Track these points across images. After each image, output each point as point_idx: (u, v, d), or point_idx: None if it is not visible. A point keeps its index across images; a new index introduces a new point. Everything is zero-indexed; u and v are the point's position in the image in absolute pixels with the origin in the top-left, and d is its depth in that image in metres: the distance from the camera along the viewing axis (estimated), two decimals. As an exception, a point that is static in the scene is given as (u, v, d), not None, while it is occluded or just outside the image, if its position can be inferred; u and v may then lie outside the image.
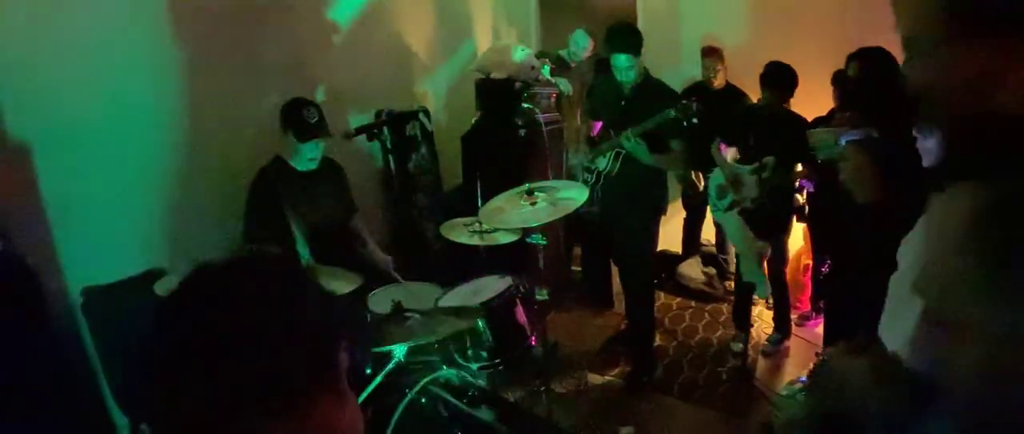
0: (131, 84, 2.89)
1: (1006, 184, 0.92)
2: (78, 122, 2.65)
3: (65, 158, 2.62)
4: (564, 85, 4.54)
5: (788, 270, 4.10)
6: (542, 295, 3.02)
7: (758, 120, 3.63)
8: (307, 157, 2.95)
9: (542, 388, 3.13)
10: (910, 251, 1.09)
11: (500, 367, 2.66)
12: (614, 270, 4.34)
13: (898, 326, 1.09)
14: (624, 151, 3.39)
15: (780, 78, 3.54)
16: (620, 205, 3.54)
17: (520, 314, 2.74)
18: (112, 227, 2.80)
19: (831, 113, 3.49)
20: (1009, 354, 0.90)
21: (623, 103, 3.42)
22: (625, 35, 3.31)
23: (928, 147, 2.05)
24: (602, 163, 3.52)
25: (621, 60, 3.28)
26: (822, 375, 1.24)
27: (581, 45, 4.85)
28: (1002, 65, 0.92)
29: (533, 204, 2.88)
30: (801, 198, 3.92)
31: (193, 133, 3.17)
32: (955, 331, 0.97)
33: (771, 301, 4.01)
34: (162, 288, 2.47)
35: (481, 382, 2.99)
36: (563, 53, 4.88)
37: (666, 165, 3.49)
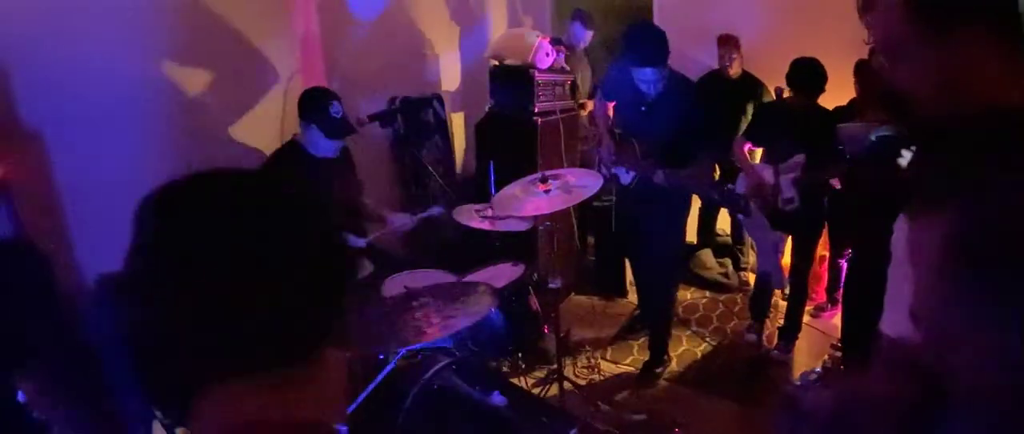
0: (144, 70, 2.89)
1: (975, 210, 0.88)
2: (91, 108, 2.66)
3: (79, 145, 2.63)
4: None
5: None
6: (555, 283, 3.00)
7: (785, 118, 3.49)
8: (329, 150, 2.94)
9: (555, 375, 3.13)
10: (902, 240, 1.07)
11: (513, 354, 2.65)
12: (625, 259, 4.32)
13: (898, 317, 1.08)
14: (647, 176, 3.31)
15: (810, 77, 3.35)
16: (646, 206, 3.42)
17: (533, 302, 2.74)
18: (127, 215, 2.81)
19: (852, 104, 3.43)
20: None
21: (644, 108, 3.30)
22: (653, 47, 3.09)
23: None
24: (624, 179, 3.45)
25: (647, 74, 3.12)
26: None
27: (579, 36, 4.79)
28: (969, 61, 0.92)
29: (547, 191, 2.88)
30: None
31: (206, 119, 3.18)
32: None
33: (786, 292, 3.93)
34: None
35: (493, 369, 3.01)
36: (564, 39, 4.82)
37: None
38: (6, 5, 2.40)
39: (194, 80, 3.13)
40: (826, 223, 3.70)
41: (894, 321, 1.10)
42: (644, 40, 3.11)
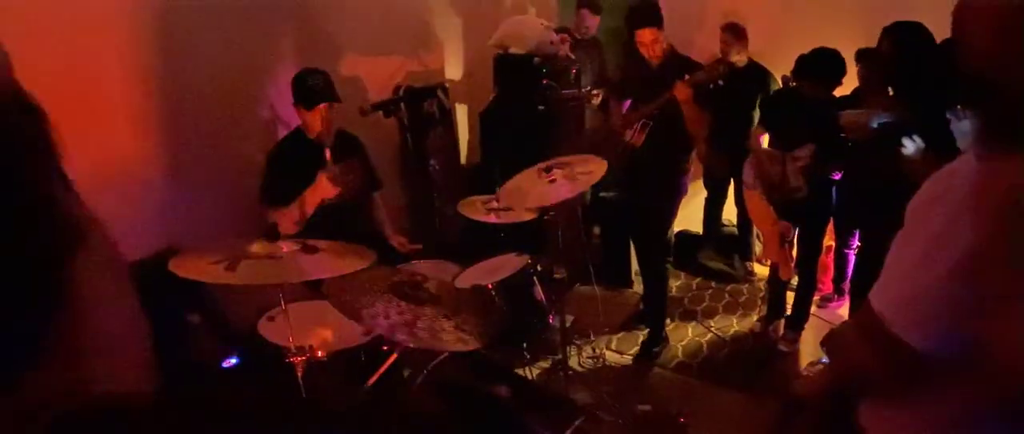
0: (143, 58, 2.88)
1: None
2: (91, 95, 2.65)
3: (84, 134, 2.62)
4: None
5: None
6: (561, 273, 2.99)
7: (796, 106, 3.46)
8: (318, 124, 2.93)
9: (560, 365, 3.12)
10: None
11: (518, 344, 2.65)
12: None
13: (894, 284, 1.08)
14: (651, 124, 3.36)
15: (830, 67, 3.23)
16: (641, 182, 3.52)
17: (538, 292, 2.72)
18: (129, 205, 2.80)
19: (856, 93, 3.39)
20: None
21: (652, 77, 3.39)
22: (647, 9, 3.34)
23: (962, 129, 2.01)
24: (628, 135, 3.51)
25: (647, 35, 3.30)
26: (829, 346, 1.26)
27: (587, 23, 4.75)
28: None
29: (552, 181, 2.86)
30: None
31: (208, 110, 3.16)
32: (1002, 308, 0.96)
33: (793, 283, 3.90)
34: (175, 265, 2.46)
35: (499, 359, 3.01)
36: (571, 27, 4.79)
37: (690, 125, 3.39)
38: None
39: (196, 72, 3.11)
40: (832, 213, 3.66)
41: (883, 292, 1.10)
42: (639, 6, 3.38)
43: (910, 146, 2.42)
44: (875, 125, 2.66)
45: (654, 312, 3.82)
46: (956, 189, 1.01)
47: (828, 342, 1.30)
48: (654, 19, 3.31)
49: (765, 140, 3.64)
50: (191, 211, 3.08)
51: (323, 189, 2.83)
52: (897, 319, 1.05)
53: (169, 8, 2.93)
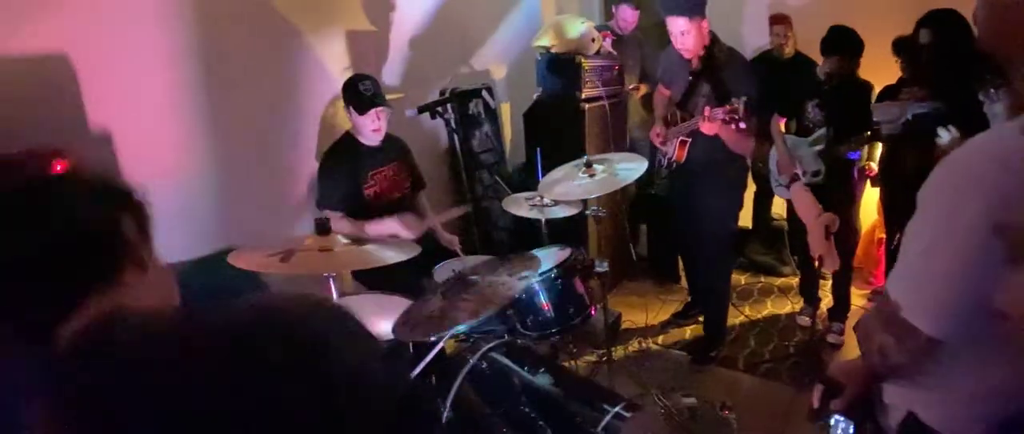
0: (197, 66, 3.01)
1: None
2: (151, 108, 2.80)
3: (140, 142, 2.72)
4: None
5: (862, 244, 3.97)
6: (603, 266, 3.04)
7: (818, 90, 3.50)
8: (370, 128, 3.05)
9: (604, 358, 3.17)
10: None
11: (558, 335, 2.71)
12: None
13: (905, 272, 1.10)
14: (689, 140, 3.32)
15: (842, 43, 3.36)
16: (698, 182, 3.41)
17: (579, 284, 2.77)
18: (183, 209, 2.95)
19: (901, 82, 3.35)
20: None
21: (690, 78, 3.30)
22: None
23: (996, 112, 1.99)
24: (669, 150, 3.47)
25: (678, 25, 3.08)
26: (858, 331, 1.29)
27: (628, 19, 4.72)
28: None
29: (592, 175, 2.91)
30: (874, 166, 3.80)
31: (258, 115, 3.29)
32: None
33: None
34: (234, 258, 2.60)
35: (544, 352, 3.07)
36: (612, 24, 4.79)
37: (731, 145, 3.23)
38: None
39: (246, 77, 3.24)
40: (880, 203, 3.62)
41: (896, 279, 1.13)
42: None
43: (945, 136, 2.39)
44: (909, 116, 2.63)
45: (714, 318, 3.73)
46: (957, 171, 1.03)
47: (857, 328, 1.33)
48: (685, 7, 3.04)
49: (783, 126, 3.67)
50: (247, 213, 3.23)
51: (390, 228, 2.95)
52: (909, 305, 1.08)
53: (221, 15, 3.03)
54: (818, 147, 3.33)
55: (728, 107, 2.89)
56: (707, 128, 3.04)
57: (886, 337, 1.16)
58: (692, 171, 3.41)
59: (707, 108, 3.00)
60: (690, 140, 3.34)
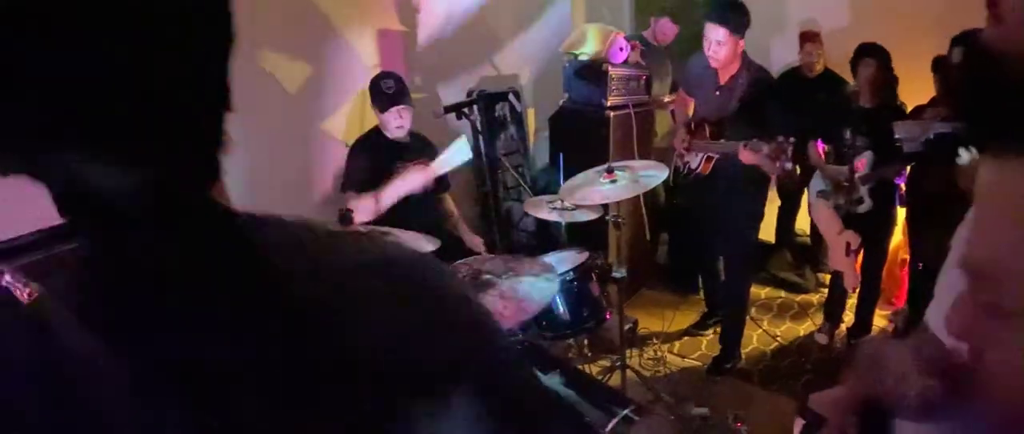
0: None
1: None
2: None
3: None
4: None
5: (885, 265, 3.93)
6: (620, 272, 3.06)
7: (850, 111, 3.47)
8: (393, 125, 3.10)
9: (618, 362, 3.19)
10: (962, 236, 1.08)
11: (572, 337, 2.73)
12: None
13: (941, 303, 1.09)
14: (716, 156, 3.34)
15: (869, 49, 3.36)
16: (719, 193, 3.43)
17: (595, 288, 2.80)
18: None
19: (933, 102, 3.33)
20: None
21: (717, 92, 3.32)
22: (726, 6, 3.10)
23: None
24: (694, 161, 3.49)
25: (717, 33, 3.08)
26: (859, 358, 1.25)
27: (666, 32, 4.70)
28: None
29: (613, 181, 2.94)
30: (902, 186, 3.77)
31: (283, 113, 3.36)
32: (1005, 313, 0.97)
33: (857, 292, 3.83)
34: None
35: (558, 354, 3.10)
36: (647, 35, 4.79)
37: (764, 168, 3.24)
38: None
39: (272, 76, 3.31)
40: (905, 224, 3.59)
41: (938, 314, 1.12)
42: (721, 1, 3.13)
43: (965, 156, 2.37)
44: (931, 136, 2.62)
45: (730, 330, 3.73)
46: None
47: (863, 349, 1.29)
48: (727, 20, 3.05)
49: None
50: (272, 205, 3.30)
51: (411, 180, 3.00)
52: (945, 336, 1.07)
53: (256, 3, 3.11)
54: (859, 173, 3.30)
55: (775, 145, 2.92)
56: (747, 157, 3.07)
57: (921, 366, 1.12)
58: (714, 181, 3.43)
59: (749, 142, 3.04)
60: (718, 156, 3.36)
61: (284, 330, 0.51)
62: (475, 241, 3.31)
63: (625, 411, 2.10)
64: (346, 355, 0.52)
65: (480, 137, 4.19)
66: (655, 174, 2.98)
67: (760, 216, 3.58)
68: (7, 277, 0.51)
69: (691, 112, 3.66)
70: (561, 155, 3.51)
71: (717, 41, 3.11)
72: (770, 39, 4.74)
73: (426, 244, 2.32)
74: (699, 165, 3.45)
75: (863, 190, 3.30)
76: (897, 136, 2.86)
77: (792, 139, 2.91)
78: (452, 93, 4.24)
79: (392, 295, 0.56)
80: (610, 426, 2.05)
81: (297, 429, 0.50)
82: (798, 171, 4.39)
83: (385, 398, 0.52)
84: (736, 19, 3.07)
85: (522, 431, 0.61)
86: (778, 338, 4.00)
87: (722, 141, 3.31)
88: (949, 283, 1.11)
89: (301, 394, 0.50)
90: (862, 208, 3.34)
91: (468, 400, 0.54)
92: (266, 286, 0.53)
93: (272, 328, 0.51)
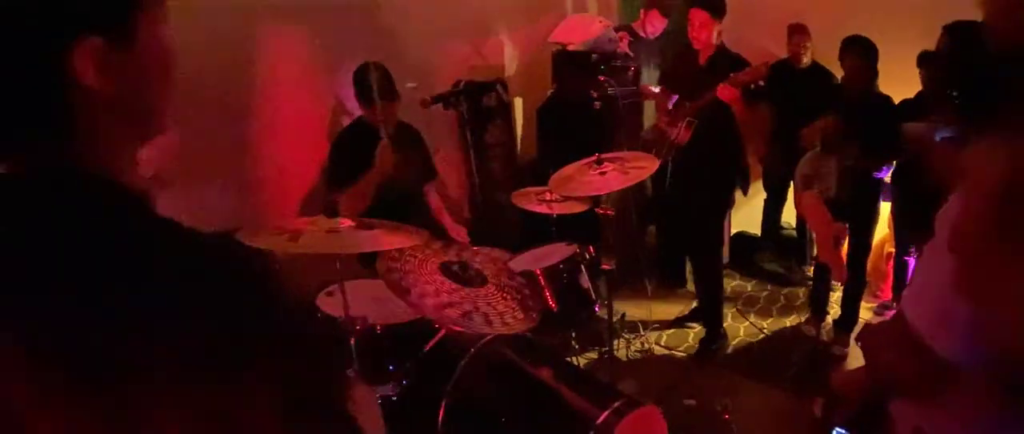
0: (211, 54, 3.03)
1: None
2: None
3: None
4: None
5: (870, 258, 3.95)
6: (608, 264, 3.04)
7: (837, 101, 3.49)
8: (378, 120, 3.06)
9: (606, 355, 3.18)
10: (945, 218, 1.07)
11: (560, 330, 2.71)
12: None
13: (925, 295, 1.09)
14: (696, 121, 3.39)
15: (855, 43, 3.40)
16: (688, 180, 3.56)
17: (584, 280, 2.78)
18: (190, 199, 2.95)
19: (919, 96, 3.35)
20: None
21: (697, 72, 3.42)
22: None
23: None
24: (674, 132, 3.55)
25: (698, 16, 3.31)
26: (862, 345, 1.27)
27: (656, 24, 4.69)
28: None
29: (602, 173, 2.91)
30: (886, 178, 3.78)
31: (271, 101, 3.32)
32: (986, 287, 0.97)
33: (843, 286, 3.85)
34: (245, 236, 2.62)
35: (546, 345, 3.08)
36: (636, 26, 4.77)
37: (743, 125, 3.44)
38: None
39: (261, 65, 3.27)
40: (891, 217, 3.61)
41: (912, 299, 1.12)
42: None
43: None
44: (938, 140, 2.64)
45: (709, 310, 3.83)
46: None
47: (862, 339, 1.31)
48: (706, 4, 3.30)
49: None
50: (259, 196, 3.26)
51: (381, 164, 2.94)
52: (921, 324, 1.07)
53: (243, 6, 3.09)
54: (847, 163, 3.33)
55: (751, 68, 3.15)
56: (726, 93, 3.19)
57: (898, 354, 1.14)
58: (688, 168, 3.54)
59: (731, 75, 3.19)
60: (696, 121, 3.43)
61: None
62: (460, 232, 3.28)
63: (615, 404, 2.09)
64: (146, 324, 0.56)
65: (467, 127, 4.16)
66: (644, 166, 2.96)
67: (727, 202, 3.77)
68: None
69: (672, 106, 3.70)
70: (550, 147, 3.49)
71: (700, 25, 3.33)
72: (759, 34, 4.73)
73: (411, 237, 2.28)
74: (678, 133, 3.53)
75: (834, 178, 3.35)
76: (906, 138, 2.89)
77: (770, 64, 3.17)
78: (439, 83, 4.19)
79: (202, 279, 0.61)
80: (601, 418, 2.04)
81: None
82: (786, 164, 4.40)
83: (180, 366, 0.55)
84: (715, 3, 3.32)
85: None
86: (764, 330, 4.01)
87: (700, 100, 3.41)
88: (925, 267, 1.11)
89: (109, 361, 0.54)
90: (835, 194, 3.37)
91: (260, 384, 0.58)
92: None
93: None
